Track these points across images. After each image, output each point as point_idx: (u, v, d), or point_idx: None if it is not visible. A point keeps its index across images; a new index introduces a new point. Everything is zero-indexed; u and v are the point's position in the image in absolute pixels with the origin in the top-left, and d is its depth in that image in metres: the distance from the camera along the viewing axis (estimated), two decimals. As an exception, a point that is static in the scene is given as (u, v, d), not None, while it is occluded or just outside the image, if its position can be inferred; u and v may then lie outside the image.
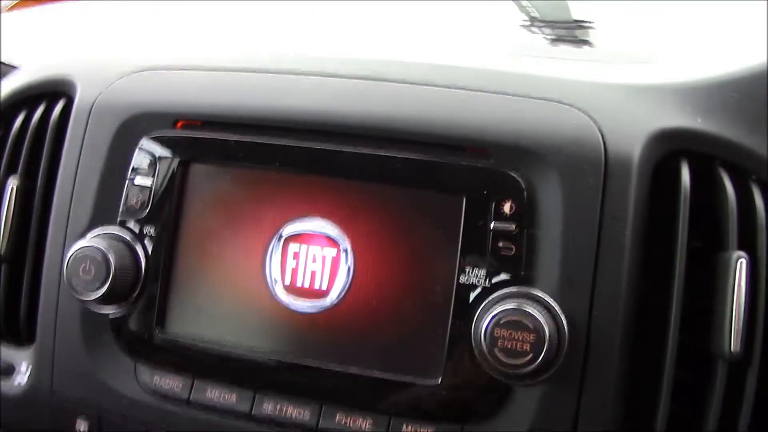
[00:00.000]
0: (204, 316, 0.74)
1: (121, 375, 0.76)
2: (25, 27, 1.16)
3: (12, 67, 0.98)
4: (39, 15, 1.14)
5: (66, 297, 0.77)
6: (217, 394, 0.73)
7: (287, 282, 0.72)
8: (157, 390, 0.75)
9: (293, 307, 0.71)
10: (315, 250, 0.72)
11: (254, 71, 0.78)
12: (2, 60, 1.00)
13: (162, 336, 0.74)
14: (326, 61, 0.79)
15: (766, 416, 0.66)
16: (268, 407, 0.72)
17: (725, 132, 0.69)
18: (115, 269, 0.72)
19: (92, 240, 0.74)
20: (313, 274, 0.72)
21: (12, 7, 1.08)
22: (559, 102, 0.70)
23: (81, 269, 0.73)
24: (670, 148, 0.69)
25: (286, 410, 0.71)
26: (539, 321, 0.63)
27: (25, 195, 0.82)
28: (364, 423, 0.69)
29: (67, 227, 0.78)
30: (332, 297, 0.71)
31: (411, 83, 0.74)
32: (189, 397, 0.74)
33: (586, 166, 0.67)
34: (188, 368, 0.74)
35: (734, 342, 0.63)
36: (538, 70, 0.78)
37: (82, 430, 0.77)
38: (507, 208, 0.67)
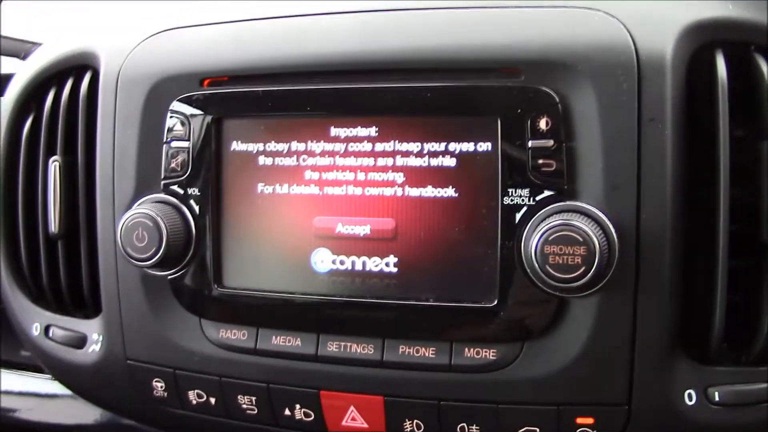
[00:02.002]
0: (259, 267, 0.76)
1: (189, 332, 0.79)
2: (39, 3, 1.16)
3: (34, 44, 0.99)
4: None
5: (124, 265, 0.79)
6: (282, 340, 0.75)
7: (336, 223, 0.73)
8: (224, 342, 0.77)
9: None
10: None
11: (272, 18, 0.77)
12: (23, 38, 1.01)
13: (221, 290, 0.77)
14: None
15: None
16: (333, 347, 0.74)
17: (758, 16, 0.67)
18: (167, 233, 0.74)
19: (140, 207, 0.76)
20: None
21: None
22: (585, 8, 0.68)
23: (134, 237, 0.74)
24: (703, 40, 0.67)
25: (351, 347, 0.73)
26: (587, 233, 0.63)
27: (68, 171, 0.84)
28: (427, 351, 0.71)
29: (114, 198, 0.80)
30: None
31: (430, 8, 0.72)
32: (256, 345, 0.76)
33: (618, 71, 0.66)
34: (251, 319, 0.76)
35: None
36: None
37: (159, 388, 0.81)
38: (543, 124, 0.67)
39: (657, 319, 0.66)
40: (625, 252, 0.65)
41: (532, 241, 0.64)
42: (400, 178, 0.71)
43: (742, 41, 0.67)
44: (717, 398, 0.66)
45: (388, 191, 0.71)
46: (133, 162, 0.79)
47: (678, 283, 0.66)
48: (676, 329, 0.67)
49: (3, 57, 1.01)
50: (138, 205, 0.77)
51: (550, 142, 0.67)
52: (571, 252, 0.63)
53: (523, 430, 0.70)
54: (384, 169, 0.71)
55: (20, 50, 1.01)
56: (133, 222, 0.74)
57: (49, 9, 1.15)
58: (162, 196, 0.77)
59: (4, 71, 0.98)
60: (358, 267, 0.73)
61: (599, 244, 0.63)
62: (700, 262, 0.67)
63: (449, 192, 0.70)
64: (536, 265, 0.64)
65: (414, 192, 0.71)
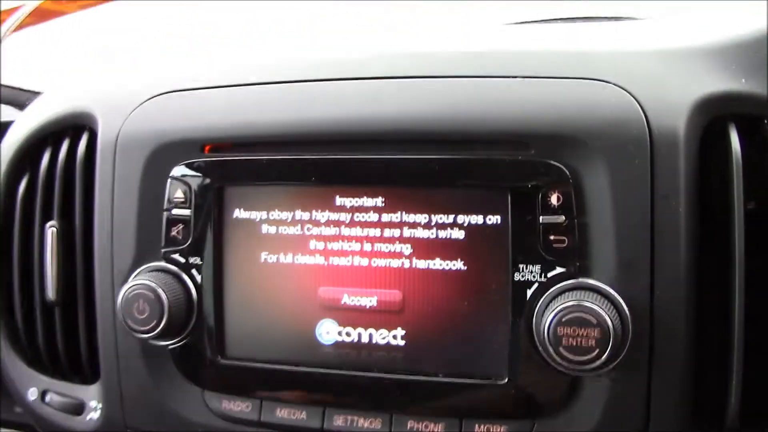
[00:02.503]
0: (262, 337, 0.74)
1: (190, 403, 0.77)
2: (34, 49, 1.14)
3: (33, 93, 0.97)
4: (44, 34, 1.12)
5: (124, 333, 0.77)
6: (287, 413, 0.74)
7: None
8: (227, 414, 0.76)
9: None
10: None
11: (277, 82, 0.76)
12: (20, 86, 0.99)
13: (225, 361, 0.75)
14: (347, 63, 0.76)
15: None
16: (339, 421, 0.72)
17: None
18: (168, 304, 0.73)
19: (140, 278, 0.74)
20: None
21: (13, 30, 1.05)
22: (595, 79, 0.67)
23: (135, 309, 0.73)
24: (716, 114, 0.66)
25: (358, 422, 0.72)
26: (602, 314, 0.62)
27: (65, 236, 0.82)
28: (436, 427, 0.70)
29: (113, 265, 0.78)
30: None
31: (437, 77, 0.71)
32: (260, 418, 0.74)
33: (630, 147, 0.65)
34: (255, 390, 0.75)
35: None
36: (563, 43, 0.75)
37: (159, 460, 0.79)
38: (554, 199, 0.66)
39: (671, 398, 0.65)
40: (638, 330, 0.64)
41: (545, 321, 0.63)
42: (407, 249, 0.70)
43: (755, 115, 0.66)
44: (733, 478, 0.65)
45: (395, 263, 0.70)
46: (132, 229, 0.77)
47: (693, 360, 0.65)
48: (692, 406, 0.66)
49: (2, 105, 0.99)
50: (137, 274, 0.75)
51: (562, 218, 0.65)
52: (585, 334, 0.62)
53: None
54: (391, 240, 0.70)
55: (19, 99, 0.99)
56: (134, 293, 0.73)
57: (49, 56, 1.13)
58: (162, 264, 0.76)
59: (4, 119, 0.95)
60: (365, 339, 0.71)
61: (613, 325, 0.62)
62: (714, 336, 0.65)
63: (458, 265, 0.69)
64: (549, 346, 0.63)
65: (422, 264, 0.70)
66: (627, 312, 0.63)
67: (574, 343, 0.62)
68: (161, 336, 0.74)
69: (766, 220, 0.66)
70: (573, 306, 0.63)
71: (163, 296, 0.72)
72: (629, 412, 0.66)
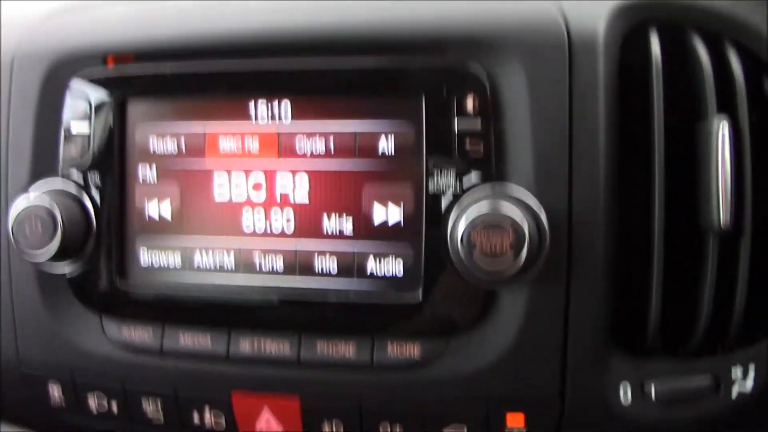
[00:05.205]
0: (165, 259, 0.70)
1: (88, 332, 0.72)
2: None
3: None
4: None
5: (17, 259, 0.72)
6: (191, 340, 0.69)
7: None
8: (127, 343, 0.71)
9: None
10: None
11: None
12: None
13: (125, 286, 0.70)
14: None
15: (759, 297, 0.63)
16: (245, 346, 0.68)
17: None
18: (63, 224, 0.67)
19: (35, 196, 0.69)
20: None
21: None
22: None
23: (27, 229, 0.67)
24: (636, 20, 0.64)
25: (264, 345, 0.68)
26: (516, 220, 0.59)
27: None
28: (347, 348, 0.66)
29: (7, 185, 0.73)
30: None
31: None
32: (161, 346, 0.70)
33: (548, 51, 0.62)
34: (156, 316, 0.70)
35: (723, 214, 0.60)
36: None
37: (55, 393, 0.74)
38: (470, 104, 0.63)
39: (590, 311, 0.63)
40: (556, 239, 0.61)
41: (459, 228, 0.60)
42: (318, 160, 0.66)
43: (676, 21, 0.64)
44: (653, 393, 0.63)
45: (305, 174, 0.66)
46: (28, 146, 0.72)
47: (612, 273, 0.63)
48: (611, 322, 0.63)
49: None
50: (33, 193, 0.70)
51: (478, 123, 0.63)
52: (499, 240, 0.59)
53: (450, 426, 0.65)
54: (300, 151, 0.66)
55: None
56: (27, 213, 0.67)
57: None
58: (60, 184, 0.71)
59: None
60: (272, 257, 0.67)
61: (529, 231, 0.59)
62: (635, 251, 0.63)
63: (370, 174, 0.65)
64: (463, 255, 0.60)
65: (334, 175, 0.66)
66: (543, 219, 0.61)
67: (489, 250, 0.59)
68: (55, 258, 0.68)
69: (688, 133, 0.64)
70: (487, 212, 0.60)
71: (58, 215, 0.67)
72: (546, 328, 0.63)
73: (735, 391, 0.62)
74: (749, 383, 0.62)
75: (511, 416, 0.64)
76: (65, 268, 0.71)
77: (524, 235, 0.59)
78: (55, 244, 0.67)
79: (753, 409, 0.63)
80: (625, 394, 0.63)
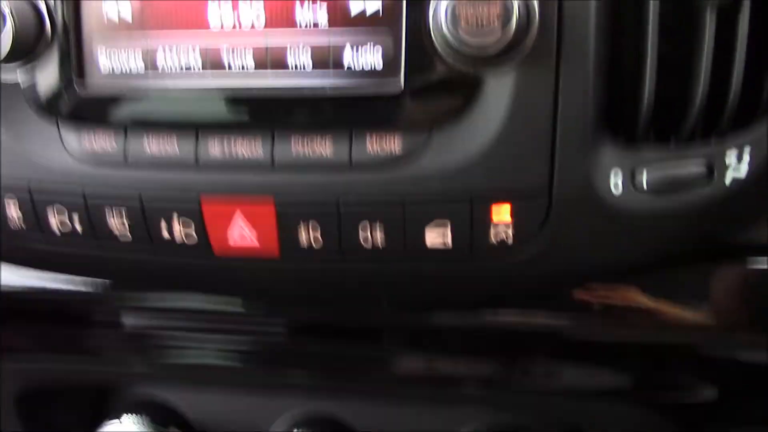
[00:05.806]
0: (127, 54, 0.65)
1: (45, 143, 0.67)
2: None
3: None
4: None
5: (-36, 66, 0.67)
6: (156, 145, 0.65)
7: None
8: (87, 152, 0.66)
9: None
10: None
11: None
12: None
13: (83, 92, 0.65)
14: None
15: (755, 78, 0.60)
16: (215, 149, 0.64)
17: None
18: (13, 19, 0.62)
19: None
20: None
21: None
22: None
23: (-30, 25, 0.62)
24: None
25: (235, 147, 0.63)
26: None
27: None
28: (324, 145, 0.62)
29: None
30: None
31: None
32: (125, 153, 0.65)
33: None
34: (118, 122, 0.65)
35: None
36: None
37: (12, 212, 0.69)
38: None
39: (581, 95, 0.59)
40: (545, 15, 0.57)
41: (443, 2, 0.56)
42: None
43: None
44: (645, 180, 0.60)
45: None
46: None
47: (605, 53, 0.59)
48: (602, 108, 0.60)
49: None
50: None
51: None
52: (485, 11, 0.55)
53: (432, 222, 0.62)
54: None
55: None
56: None
57: None
58: None
59: None
60: (243, 53, 0.63)
61: (517, 1, 0.55)
62: (629, 30, 0.59)
63: None
64: (447, 31, 0.56)
65: None
66: None
67: (474, 23, 0.55)
68: (6, 59, 0.63)
69: None
70: None
71: (6, 10, 0.62)
72: (534, 113, 0.59)
73: (729, 176, 0.60)
74: (744, 167, 0.59)
75: (497, 208, 0.61)
76: (19, 76, 0.66)
77: (512, 5, 0.55)
78: (5, 42, 0.62)
79: (747, 195, 0.60)
80: (616, 182, 0.60)
